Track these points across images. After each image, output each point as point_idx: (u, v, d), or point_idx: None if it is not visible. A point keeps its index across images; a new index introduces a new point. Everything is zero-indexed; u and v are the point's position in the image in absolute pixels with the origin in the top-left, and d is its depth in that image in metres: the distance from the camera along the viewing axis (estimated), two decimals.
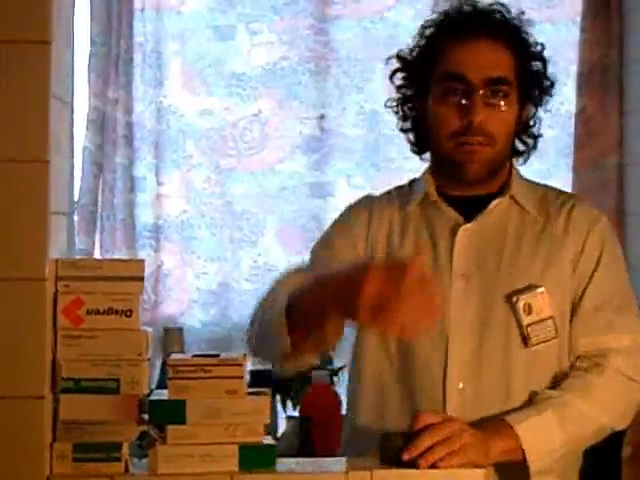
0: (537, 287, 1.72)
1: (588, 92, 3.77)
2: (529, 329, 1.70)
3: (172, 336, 3.15)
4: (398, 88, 1.88)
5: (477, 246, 1.78)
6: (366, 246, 1.87)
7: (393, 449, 1.47)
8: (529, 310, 1.71)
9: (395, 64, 1.90)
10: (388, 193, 1.94)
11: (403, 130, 1.91)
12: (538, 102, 1.87)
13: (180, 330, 3.25)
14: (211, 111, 3.76)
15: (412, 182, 1.94)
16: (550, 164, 3.87)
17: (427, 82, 1.80)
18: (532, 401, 1.69)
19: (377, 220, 1.87)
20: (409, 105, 1.88)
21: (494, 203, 1.82)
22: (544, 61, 1.87)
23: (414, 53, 1.85)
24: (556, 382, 1.74)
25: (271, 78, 3.78)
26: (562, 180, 3.86)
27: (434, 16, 1.85)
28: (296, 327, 1.56)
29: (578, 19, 3.77)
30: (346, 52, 3.79)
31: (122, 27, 3.72)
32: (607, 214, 3.72)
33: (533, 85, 1.84)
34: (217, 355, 1.41)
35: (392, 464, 1.46)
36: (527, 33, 1.84)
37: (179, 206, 3.78)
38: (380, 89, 3.67)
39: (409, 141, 1.91)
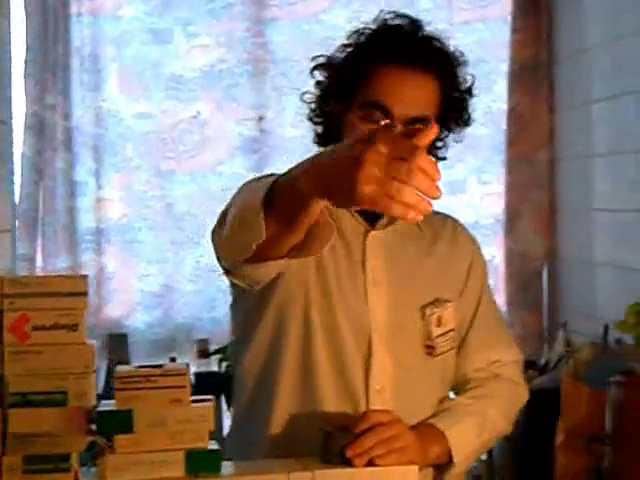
0: (447, 301, 1.77)
1: (519, 90, 3.87)
2: (437, 340, 1.75)
3: (116, 342, 3.17)
4: (317, 83, 1.81)
5: (385, 253, 1.78)
6: None
7: (337, 446, 1.52)
8: (439, 322, 1.76)
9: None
10: None
11: (312, 121, 1.85)
12: (453, 130, 1.80)
13: (124, 336, 3.27)
14: (150, 114, 3.80)
15: None
16: (484, 160, 3.97)
17: (349, 97, 1.72)
18: (446, 407, 1.76)
19: None
20: (322, 103, 1.81)
21: None
22: (470, 95, 1.79)
23: (342, 62, 1.77)
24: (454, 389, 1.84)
25: (209, 80, 3.82)
26: (495, 176, 3.96)
27: (366, 29, 1.75)
28: (274, 219, 1.38)
29: (509, 19, 3.86)
30: (283, 54, 3.84)
31: (58, 32, 3.74)
32: (539, 208, 3.90)
33: (453, 118, 1.77)
34: (161, 365, 1.45)
35: (334, 462, 1.51)
36: (458, 68, 1.76)
37: (120, 209, 3.81)
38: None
39: (316, 132, 1.84)
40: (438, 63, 1.72)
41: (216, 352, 3.40)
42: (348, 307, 1.72)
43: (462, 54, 1.77)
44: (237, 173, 3.82)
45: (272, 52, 3.83)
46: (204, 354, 3.28)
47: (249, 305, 1.76)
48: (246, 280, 1.61)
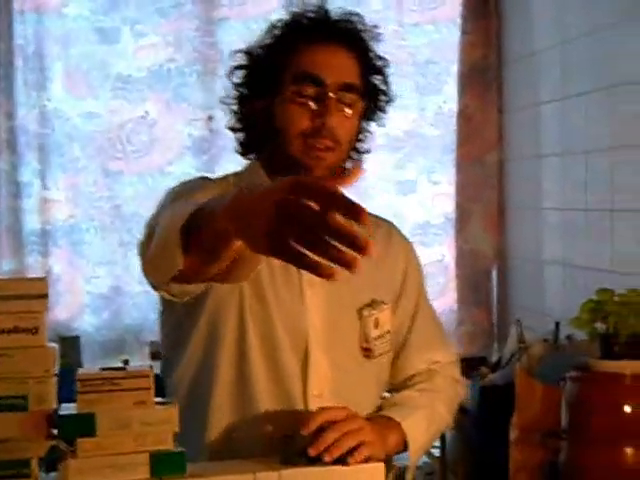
0: (383, 303, 1.78)
1: (469, 91, 3.90)
2: (374, 342, 1.75)
3: (68, 345, 3.12)
4: (237, 86, 1.79)
5: None
6: None
7: (298, 447, 1.51)
8: (376, 324, 1.76)
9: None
10: (225, 179, 1.81)
11: (233, 129, 1.83)
12: (372, 116, 1.81)
13: (76, 338, 3.22)
14: (97, 114, 3.75)
15: (238, 176, 1.82)
16: (434, 160, 3.98)
17: (276, 81, 1.72)
18: (395, 401, 1.78)
19: None
20: (245, 104, 1.79)
21: None
22: (385, 77, 1.82)
23: (263, 51, 1.77)
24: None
25: (158, 80, 3.79)
26: (446, 176, 3.98)
27: (286, 16, 1.77)
28: (195, 249, 1.33)
29: (459, 21, 3.88)
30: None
31: (1, 29, 3.67)
32: (489, 208, 3.93)
33: (373, 99, 1.80)
34: (124, 368, 1.42)
35: (295, 464, 1.50)
36: (373, 46, 1.79)
37: (66, 211, 3.75)
38: None
39: (238, 141, 1.83)
40: (351, 38, 1.75)
41: None
42: (284, 310, 1.69)
43: (376, 27, 1.80)
44: (186, 173, 3.78)
45: (222, 52, 3.80)
46: (158, 355, 3.25)
47: (179, 314, 1.72)
48: (174, 294, 1.54)
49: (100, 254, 3.77)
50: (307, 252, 1.06)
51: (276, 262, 1.55)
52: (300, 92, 1.69)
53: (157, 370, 3.29)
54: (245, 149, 1.83)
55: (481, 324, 3.96)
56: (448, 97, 3.93)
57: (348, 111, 1.72)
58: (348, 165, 1.80)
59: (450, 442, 3.17)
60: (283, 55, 1.72)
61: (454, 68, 3.90)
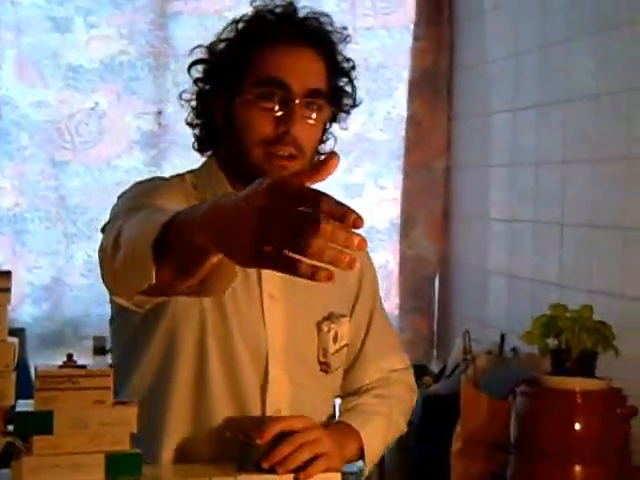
0: (342, 316, 1.76)
1: (419, 97, 3.92)
2: (332, 357, 1.73)
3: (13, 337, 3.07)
4: (196, 81, 1.74)
5: None
6: None
7: (254, 456, 1.51)
8: (335, 339, 1.74)
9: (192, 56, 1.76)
10: (181, 179, 1.75)
11: (191, 125, 1.77)
12: (336, 119, 1.77)
13: (22, 330, 3.17)
14: (47, 103, 3.71)
15: (194, 174, 1.76)
16: (381, 166, 4.01)
17: (238, 80, 1.66)
18: (353, 406, 1.77)
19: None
20: (205, 100, 1.73)
21: None
22: (351, 80, 1.77)
23: (225, 47, 1.71)
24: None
25: (109, 72, 3.75)
26: (392, 181, 4.01)
27: (244, 16, 1.72)
28: (168, 264, 1.25)
29: (411, 27, 3.91)
30: (185, 49, 3.76)
31: None
32: (434, 215, 3.96)
33: (338, 102, 1.75)
34: (84, 366, 1.41)
35: (251, 471, 1.50)
36: (341, 49, 1.74)
37: (12, 199, 3.70)
38: None
39: (195, 136, 1.78)
40: (319, 40, 1.70)
41: None
42: (244, 324, 1.65)
43: (345, 29, 1.75)
44: (134, 167, 3.77)
45: (174, 46, 3.78)
46: (101, 351, 3.22)
47: (135, 323, 1.67)
48: (135, 303, 1.47)
49: (43, 244, 3.73)
50: (301, 258, 0.99)
51: (238, 273, 1.48)
52: (264, 96, 1.64)
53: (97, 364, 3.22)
54: (202, 146, 1.78)
55: (421, 332, 3.98)
56: (398, 102, 3.96)
57: (314, 118, 1.67)
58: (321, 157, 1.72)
59: (389, 450, 3.19)
60: (247, 53, 1.67)
61: (405, 74, 3.92)
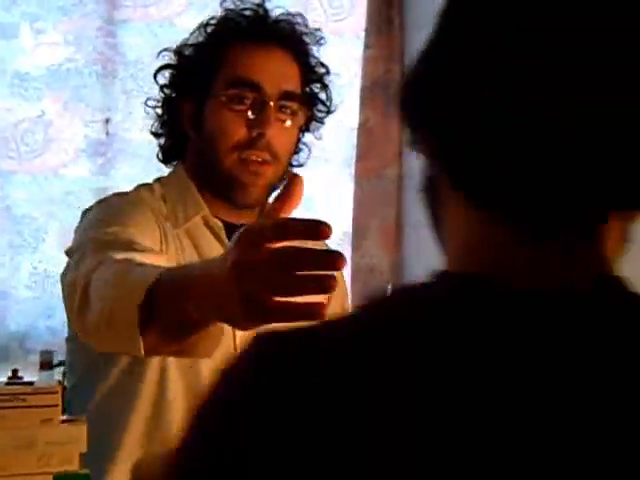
0: None
1: (370, 106, 3.90)
2: None
3: None
4: (162, 88, 1.72)
5: None
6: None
7: None
8: None
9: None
10: (150, 190, 1.70)
11: (156, 134, 1.74)
12: (310, 128, 1.74)
13: None
14: None
15: (162, 184, 1.71)
16: (333, 173, 3.98)
17: (208, 83, 1.62)
18: None
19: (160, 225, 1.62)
20: (172, 107, 1.70)
21: None
22: (326, 86, 1.74)
23: (194, 50, 1.68)
24: None
25: (56, 79, 3.67)
26: (344, 190, 3.98)
27: (212, 19, 1.69)
28: (153, 330, 1.20)
29: (362, 34, 3.88)
30: (134, 56, 3.74)
31: None
32: (386, 224, 3.94)
33: (312, 109, 1.71)
34: (31, 383, 1.37)
35: None
36: (315, 52, 1.72)
37: None
38: None
39: (160, 146, 1.74)
40: (292, 41, 1.66)
41: (61, 364, 3.26)
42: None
43: (318, 31, 1.72)
44: (81, 177, 3.70)
45: (122, 54, 3.72)
46: (48, 365, 3.15)
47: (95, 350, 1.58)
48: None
49: None
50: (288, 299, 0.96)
51: None
52: (234, 98, 1.60)
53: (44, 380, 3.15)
54: (167, 156, 1.74)
55: None
56: (349, 111, 3.93)
57: (288, 122, 1.62)
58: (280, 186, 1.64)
59: None
60: (216, 54, 1.62)
61: (357, 82, 3.90)
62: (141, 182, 3.66)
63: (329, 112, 1.75)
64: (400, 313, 0.75)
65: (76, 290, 1.35)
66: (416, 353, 0.70)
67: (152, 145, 3.73)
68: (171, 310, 1.16)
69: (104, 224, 1.52)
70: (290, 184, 1.03)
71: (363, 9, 3.84)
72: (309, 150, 1.78)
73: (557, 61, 0.72)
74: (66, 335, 1.71)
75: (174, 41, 3.70)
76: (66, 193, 3.61)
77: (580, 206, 0.74)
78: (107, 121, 3.75)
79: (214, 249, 1.64)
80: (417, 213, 4.07)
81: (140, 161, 3.76)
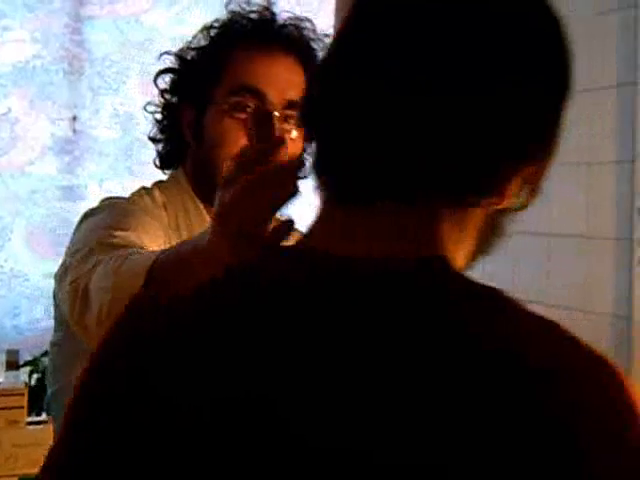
0: None
1: None
2: None
3: None
4: (162, 92, 1.64)
5: None
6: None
7: None
8: None
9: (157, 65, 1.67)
10: (150, 195, 1.65)
11: (154, 140, 1.67)
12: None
13: None
14: None
15: (160, 191, 1.66)
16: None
17: (211, 88, 1.57)
18: None
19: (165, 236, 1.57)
20: (172, 112, 1.64)
21: None
22: None
23: (197, 54, 1.62)
24: None
25: (22, 76, 3.64)
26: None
27: (216, 21, 1.62)
28: None
29: (330, 33, 3.87)
30: (101, 53, 3.72)
31: None
32: None
33: None
34: None
35: None
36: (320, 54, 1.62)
37: None
38: (135, 91, 3.66)
39: (158, 153, 1.68)
40: (299, 47, 1.60)
41: (27, 364, 3.24)
42: None
43: (327, 37, 1.64)
44: (47, 174, 3.67)
45: (89, 51, 3.70)
46: (14, 366, 3.12)
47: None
48: None
49: None
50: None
51: None
52: (237, 105, 1.54)
53: (10, 380, 3.14)
54: (165, 162, 1.68)
55: None
56: None
57: (294, 132, 1.53)
58: None
59: None
60: (219, 59, 1.57)
61: None
62: (107, 181, 3.69)
63: None
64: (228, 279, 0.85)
65: (78, 290, 1.34)
66: (229, 315, 0.80)
67: (119, 143, 3.75)
68: (172, 289, 1.15)
69: (111, 227, 1.46)
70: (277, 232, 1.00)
71: (331, 10, 3.83)
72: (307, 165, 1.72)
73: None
74: (51, 339, 1.64)
75: (141, 39, 3.73)
76: (32, 191, 3.59)
77: (405, 185, 0.80)
78: (74, 119, 3.72)
79: None
80: None
81: (107, 159, 3.74)
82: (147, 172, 3.69)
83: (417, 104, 0.79)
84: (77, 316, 1.35)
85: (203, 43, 1.63)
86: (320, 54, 1.60)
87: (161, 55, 1.66)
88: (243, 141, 1.49)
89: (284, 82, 1.56)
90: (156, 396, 0.78)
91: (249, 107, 1.54)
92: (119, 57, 3.76)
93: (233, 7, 1.62)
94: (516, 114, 0.80)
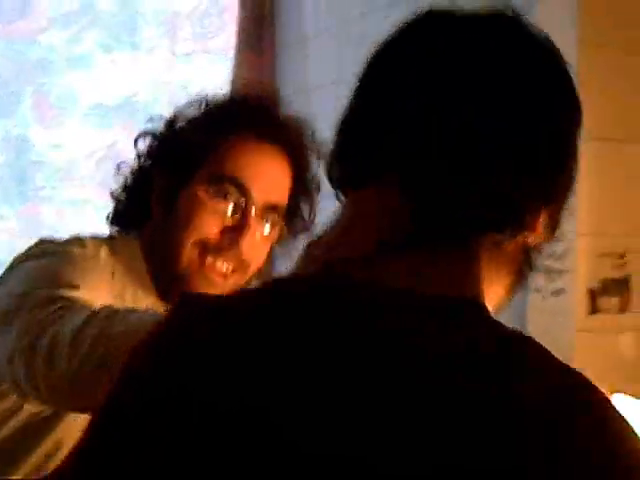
0: None
1: None
2: None
3: None
4: (140, 155, 1.54)
5: None
6: None
7: None
8: None
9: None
10: (96, 259, 1.46)
11: (117, 199, 1.57)
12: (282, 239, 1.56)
13: None
14: None
15: (108, 253, 1.49)
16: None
17: (191, 169, 1.47)
18: None
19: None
20: (144, 177, 1.54)
21: None
22: (312, 205, 1.58)
23: (186, 128, 1.52)
24: None
25: None
26: None
27: (213, 97, 1.54)
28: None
29: (232, 53, 3.80)
30: None
31: None
32: None
33: (292, 224, 1.56)
34: None
35: None
36: (312, 166, 1.55)
37: None
38: (30, 114, 3.51)
39: (116, 210, 1.57)
40: (294, 150, 1.53)
41: None
42: None
43: (323, 146, 1.47)
44: None
45: None
46: None
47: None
48: None
49: None
50: None
51: None
52: (216, 194, 1.45)
53: None
54: (119, 221, 1.57)
55: None
56: None
57: (266, 232, 1.50)
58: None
59: None
60: (210, 141, 1.47)
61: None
62: (2, 205, 3.45)
63: (306, 229, 1.58)
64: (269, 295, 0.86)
65: (36, 340, 1.22)
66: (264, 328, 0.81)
67: (12, 167, 3.49)
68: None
69: (63, 276, 1.34)
70: None
71: (233, 27, 3.80)
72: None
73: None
74: None
75: (37, 59, 3.41)
76: None
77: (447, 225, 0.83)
78: None
79: None
80: None
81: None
82: (41, 196, 3.56)
83: (459, 161, 0.83)
84: (42, 368, 1.21)
85: (196, 115, 1.54)
86: (313, 160, 1.55)
87: (149, 120, 1.57)
88: (213, 230, 1.45)
89: (271, 182, 1.50)
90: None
91: (229, 196, 1.46)
92: (14, 78, 3.54)
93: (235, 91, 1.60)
94: (548, 157, 0.85)
